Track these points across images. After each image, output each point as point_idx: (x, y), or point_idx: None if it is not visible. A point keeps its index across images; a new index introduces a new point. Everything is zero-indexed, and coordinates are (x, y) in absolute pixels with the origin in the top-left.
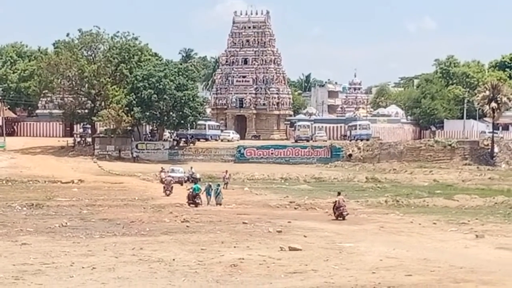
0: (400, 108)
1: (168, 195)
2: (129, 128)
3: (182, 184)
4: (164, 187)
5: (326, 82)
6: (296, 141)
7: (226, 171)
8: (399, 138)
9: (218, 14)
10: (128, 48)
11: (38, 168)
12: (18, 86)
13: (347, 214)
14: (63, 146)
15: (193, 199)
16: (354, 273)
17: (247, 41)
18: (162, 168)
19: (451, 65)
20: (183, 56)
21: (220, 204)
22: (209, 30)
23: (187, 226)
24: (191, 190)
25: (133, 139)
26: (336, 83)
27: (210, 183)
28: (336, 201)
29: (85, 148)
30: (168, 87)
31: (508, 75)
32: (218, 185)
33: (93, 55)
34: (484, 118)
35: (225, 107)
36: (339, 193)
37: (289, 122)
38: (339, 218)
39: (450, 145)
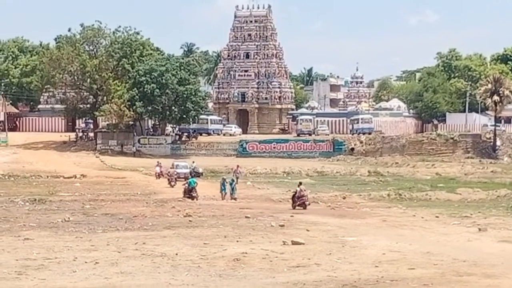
0: (402, 102)
1: (172, 186)
2: (131, 122)
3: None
4: (168, 180)
5: (328, 76)
6: (298, 135)
7: (238, 166)
8: (401, 131)
9: (220, 8)
10: (130, 42)
11: (40, 163)
12: (20, 81)
13: (309, 204)
14: (65, 141)
15: (189, 193)
16: (357, 267)
17: (249, 35)
18: (158, 162)
19: (453, 59)
20: (185, 50)
21: (235, 199)
22: (211, 24)
23: (190, 221)
24: (187, 184)
25: (135, 133)
26: (338, 77)
27: (225, 178)
28: (296, 191)
29: (87, 143)
30: (170, 81)
31: (510, 68)
32: (233, 180)
33: (95, 50)
34: (487, 112)
35: (227, 101)
36: (300, 184)
37: (291, 116)
38: (297, 208)
39: (452, 138)
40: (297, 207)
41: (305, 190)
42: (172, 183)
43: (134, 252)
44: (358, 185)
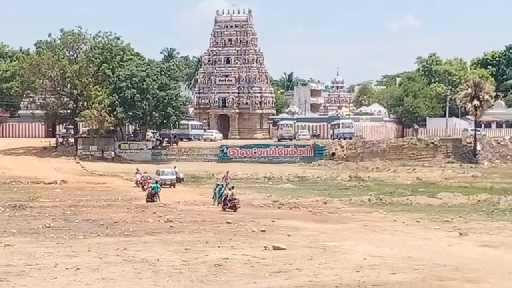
0: (383, 107)
1: (144, 190)
2: (111, 128)
3: (174, 187)
4: (141, 184)
5: (308, 81)
6: (279, 140)
7: (227, 172)
8: (382, 136)
9: (200, 13)
10: (110, 48)
11: (20, 169)
12: (0, 87)
13: (239, 207)
14: (46, 146)
15: (151, 197)
16: (338, 272)
17: (230, 40)
18: (137, 169)
19: (433, 63)
20: (165, 55)
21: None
22: (191, 29)
23: (171, 226)
24: (150, 188)
25: (116, 139)
26: (318, 81)
27: (219, 184)
28: (227, 194)
29: (68, 148)
30: (150, 86)
31: (490, 72)
32: (222, 185)
33: (75, 55)
34: (467, 116)
35: (208, 106)
36: (232, 187)
37: (272, 121)
38: (228, 210)
39: (433, 143)
40: (227, 209)
41: (236, 194)
42: (145, 187)
43: (116, 258)
44: (339, 190)
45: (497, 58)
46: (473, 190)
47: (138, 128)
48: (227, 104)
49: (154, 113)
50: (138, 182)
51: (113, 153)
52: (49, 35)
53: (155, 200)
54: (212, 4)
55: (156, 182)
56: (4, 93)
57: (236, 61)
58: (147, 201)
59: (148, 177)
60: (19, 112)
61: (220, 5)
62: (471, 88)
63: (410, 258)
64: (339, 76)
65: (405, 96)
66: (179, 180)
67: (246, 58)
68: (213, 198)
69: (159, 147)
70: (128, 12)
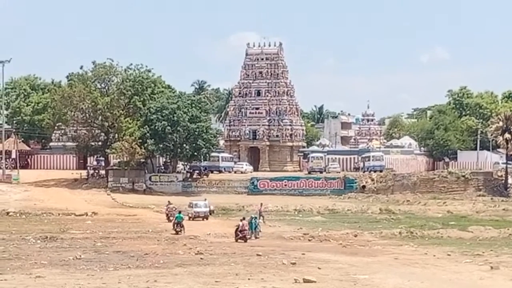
0: (414, 139)
1: (170, 221)
2: (142, 160)
3: (207, 219)
4: (167, 215)
5: (339, 114)
6: (309, 173)
7: (261, 204)
8: (412, 169)
9: (232, 46)
10: (142, 80)
11: (51, 200)
12: (32, 119)
13: (249, 238)
14: (77, 178)
15: (175, 227)
16: None
17: (260, 72)
18: (168, 202)
19: (464, 96)
20: (196, 88)
21: (257, 238)
22: (222, 62)
23: (201, 258)
24: (174, 218)
25: (146, 171)
26: (349, 114)
27: (252, 216)
28: (238, 225)
29: (99, 180)
30: (181, 119)
31: None
32: (256, 218)
33: (106, 87)
34: (498, 149)
35: (238, 138)
36: (243, 218)
37: (302, 154)
38: (239, 241)
39: (463, 176)
40: (238, 240)
41: (246, 225)
42: (171, 218)
43: None
44: (370, 223)
45: None
46: (505, 223)
47: (169, 160)
48: (257, 137)
49: (184, 145)
50: (168, 214)
51: (144, 185)
52: (81, 67)
53: (178, 230)
54: (243, 37)
55: (180, 212)
56: (36, 125)
57: (267, 93)
58: (176, 231)
59: (174, 208)
60: (51, 144)
61: (251, 38)
62: (502, 122)
63: None
64: (370, 109)
65: (436, 129)
66: (209, 212)
67: (276, 90)
68: (249, 230)
69: (189, 179)
70: (159, 45)
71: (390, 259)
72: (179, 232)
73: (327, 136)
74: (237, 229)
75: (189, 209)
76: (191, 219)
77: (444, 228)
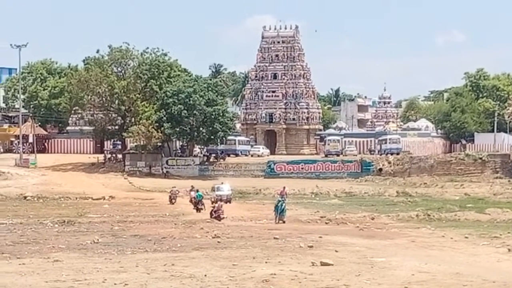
0: (430, 122)
1: (198, 210)
2: (159, 144)
3: (230, 202)
4: (172, 202)
5: (355, 96)
6: (326, 156)
7: (284, 187)
8: (429, 152)
9: (248, 29)
10: (158, 64)
11: (69, 184)
12: (49, 103)
13: (224, 217)
14: (94, 162)
15: (195, 205)
16: None
17: (276, 56)
18: (192, 186)
19: (480, 78)
20: (212, 71)
21: (284, 222)
22: (239, 45)
23: (218, 242)
24: (194, 197)
25: (163, 155)
26: (365, 97)
27: (279, 199)
28: (215, 206)
29: (116, 164)
30: (198, 102)
31: None
32: (283, 201)
33: (123, 71)
34: None
35: (255, 122)
36: (220, 200)
37: (319, 137)
38: (213, 219)
39: (481, 158)
40: (212, 218)
41: (221, 206)
42: (173, 201)
43: (163, 274)
44: (387, 206)
45: None
46: None
47: (186, 144)
48: (274, 120)
49: (201, 128)
50: (192, 199)
51: (162, 169)
52: (97, 51)
53: (199, 207)
54: (259, 20)
55: (198, 190)
56: (53, 109)
57: (283, 76)
58: (197, 209)
59: (177, 191)
60: (68, 128)
61: (267, 21)
62: None
63: (459, 274)
64: (386, 92)
65: (453, 111)
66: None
67: (293, 73)
68: (274, 213)
69: (206, 163)
70: (176, 28)
71: (407, 242)
72: (201, 210)
73: (343, 119)
74: (212, 209)
75: (211, 193)
76: (213, 203)
77: (461, 210)
